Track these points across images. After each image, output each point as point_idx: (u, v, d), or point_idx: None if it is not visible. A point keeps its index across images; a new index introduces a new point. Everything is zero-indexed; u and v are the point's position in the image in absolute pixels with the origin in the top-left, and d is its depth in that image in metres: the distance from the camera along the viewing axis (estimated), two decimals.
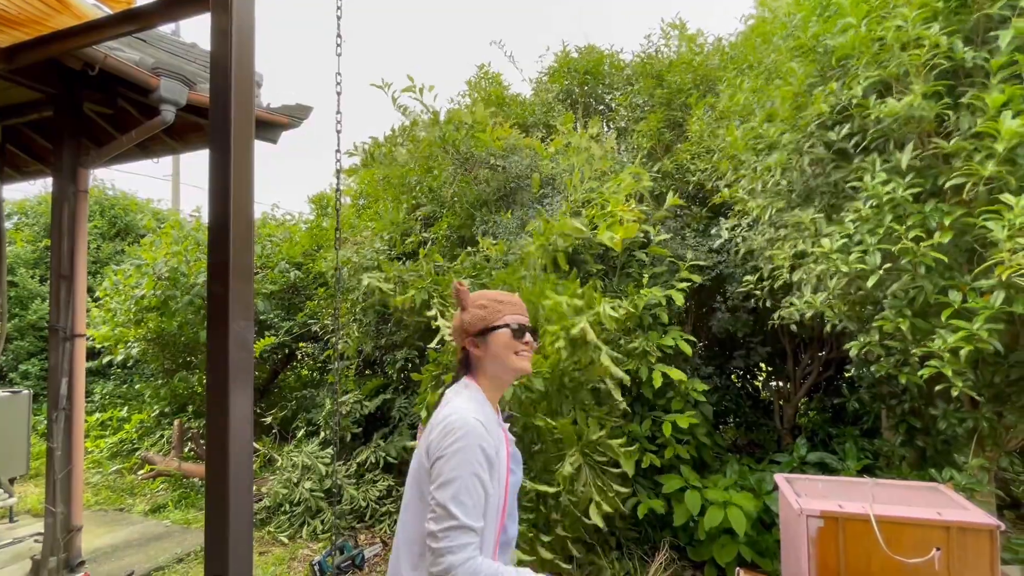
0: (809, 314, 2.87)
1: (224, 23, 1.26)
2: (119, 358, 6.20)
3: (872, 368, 2.90)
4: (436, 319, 2.90)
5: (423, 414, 2.84)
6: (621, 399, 2.86)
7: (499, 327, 1.34)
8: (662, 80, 5.10)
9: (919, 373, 2.45)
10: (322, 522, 4.14)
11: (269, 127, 3.99)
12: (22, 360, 7.69)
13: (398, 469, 4.46)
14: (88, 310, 6.83)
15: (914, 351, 2.47)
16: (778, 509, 2.94)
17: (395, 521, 1.99)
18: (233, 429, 1.09)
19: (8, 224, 9.55)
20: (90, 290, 7.73)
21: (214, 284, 1.14)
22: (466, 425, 1.19)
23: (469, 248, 4.01)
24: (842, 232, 2.61)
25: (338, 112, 1.64)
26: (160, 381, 6.47)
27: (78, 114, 3.54)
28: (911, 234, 2.34)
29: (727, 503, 3.05)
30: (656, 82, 5.13)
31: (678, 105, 4.98)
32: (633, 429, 3.44)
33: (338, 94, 1.64)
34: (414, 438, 3.53)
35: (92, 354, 7.14)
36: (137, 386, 7.25)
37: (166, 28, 4.13)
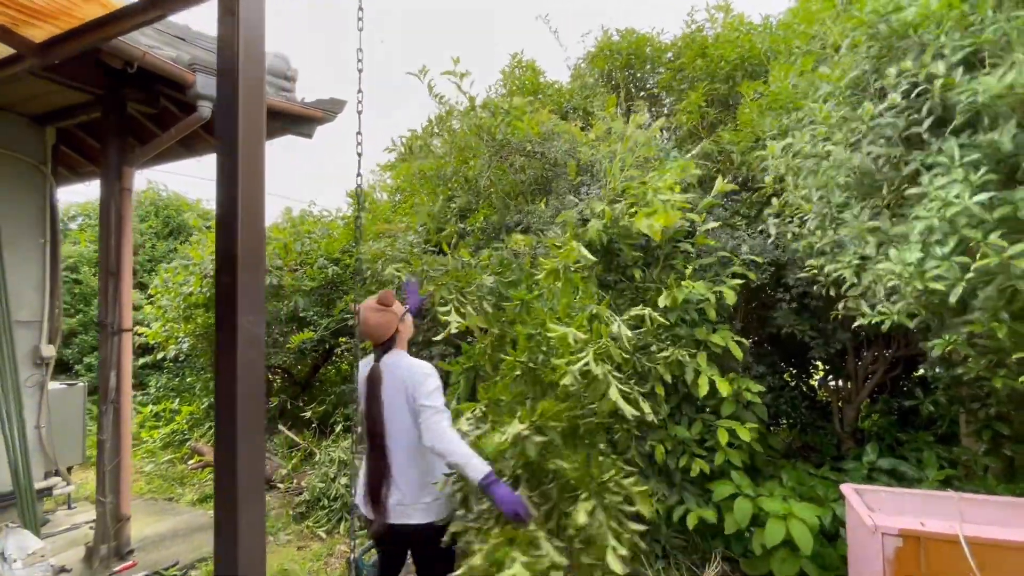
0: (886, 326, 2.45)
1: (230, 2, 1.16)
2: (171, 354, 6.43)
3: (959, 370, 2.57)
4: (449, 313, 2.84)
5: (453, 404, 2.78)
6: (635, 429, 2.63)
7: (406, 313, 2.27)
8: (704, 52, 4.84)
9: (1020, 379, 2.13)
10: (359, 518, 4.13)
11: (304, 121, 3.97)
12: (86, 353, 8.13)
13: None
14: (141, 307, 7.13)
15: (1014, 356, 2.15)
16: (844, 519, 2.67)
17: None
18: (241, 442, 0.98)
19: (73, 225, 10.11)
20: (144, 287, 8.07)
21: (222, 275, 1.04)
22: (428, 367, 2.13)
23: (495, 244, 3.87)
24: (912, 240, 2.24)
25: (359, 91, 1.53)
26: (208, 375, 6.68)
27: (123, 114, 3.61)
28: (991, 240, 1.91)
29: (788, 515, 2.80)
30: (699, 51, 4.87)
31: (722, 77, 4.69)
32: (679, 432, 3.23)
33: (359, 71, 1.52)
34: None
35: (147, 349, 7.46)
36: (188, 379, 7.52)
37: (201, 27, 4.16)
